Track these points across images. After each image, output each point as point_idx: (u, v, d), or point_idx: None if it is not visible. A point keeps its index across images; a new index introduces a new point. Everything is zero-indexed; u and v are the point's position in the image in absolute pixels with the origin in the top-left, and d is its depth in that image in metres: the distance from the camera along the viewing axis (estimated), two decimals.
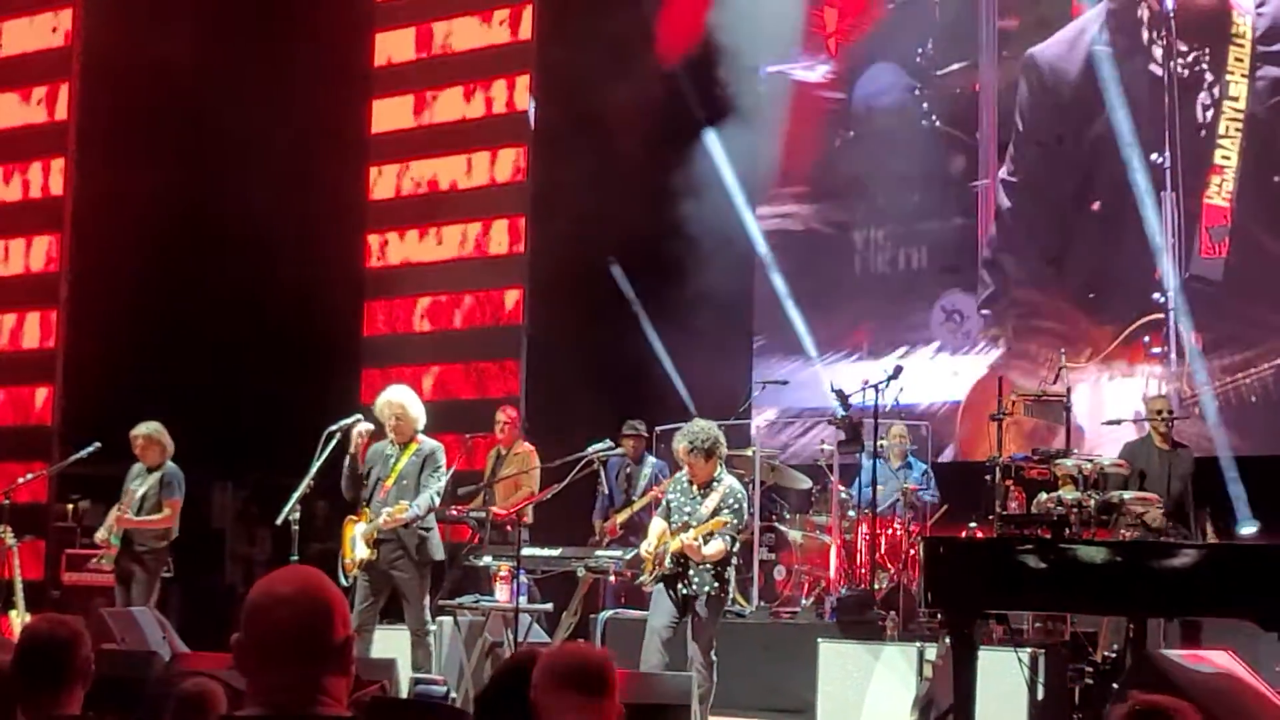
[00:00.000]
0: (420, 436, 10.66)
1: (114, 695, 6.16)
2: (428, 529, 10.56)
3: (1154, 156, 14.51)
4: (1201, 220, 14.52)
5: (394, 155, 17.06)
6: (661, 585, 9.84)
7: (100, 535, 12.32)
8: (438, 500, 10.59)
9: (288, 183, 15.38)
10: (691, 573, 9.72)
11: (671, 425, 13.50)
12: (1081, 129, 15.21)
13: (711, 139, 15.63)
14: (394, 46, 17.24)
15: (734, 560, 9.98)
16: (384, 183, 17.15)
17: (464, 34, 16.79)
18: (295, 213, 15.46)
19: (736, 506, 9.74)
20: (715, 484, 9.78)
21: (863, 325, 15.68)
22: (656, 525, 10.02)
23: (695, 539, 9.60)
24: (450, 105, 16.77)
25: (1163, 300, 14.31)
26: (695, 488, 9.85)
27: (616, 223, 14.98)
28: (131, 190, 15.89)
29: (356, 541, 10.42)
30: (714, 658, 9.72)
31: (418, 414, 10.64)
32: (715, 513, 9.68)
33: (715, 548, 9.61)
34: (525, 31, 16.35)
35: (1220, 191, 14.37)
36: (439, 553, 10.70)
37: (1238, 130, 14.32)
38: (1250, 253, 14.18)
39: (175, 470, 12.33)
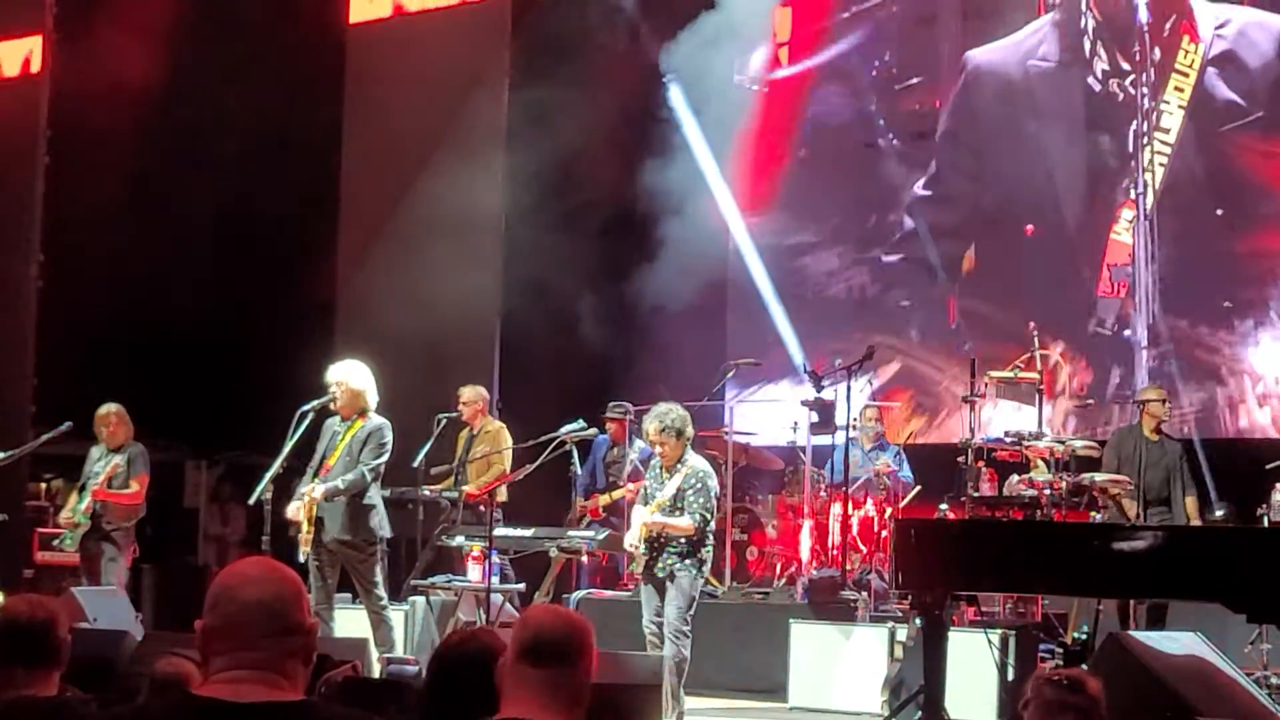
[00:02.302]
0: (369, 413, 10.51)
1: (86, 675, 6.17)
2: (371, 505, 10.42)
3: (1125, 183, 14.15)
4: (1105, 256, 14.22)
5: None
6: (643, 579, 9.90)
7: (65, 516, 12.27)
8: (370, 477, 10.36)
9: (261, 161, 15.32)
10: (661, 556, 9.75)
11: (644, 406, 13.56)
12: (1006, 142, 14.94)
13: (688, 126, 15.62)
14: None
15: (709, 540, 9.94)
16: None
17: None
18: (270, 188, 15.41)
19: (699, 486, 9.72)
20: (680, 465, 9.79)
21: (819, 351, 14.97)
22: (638, 514, 10.02)
23: (650, 517, 9.67)
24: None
25: (1130, 336, 14.02)
26: (664, 471, 9.88)
27: (591, 199, 14.99)
28: (105, 161, 15.86)
29: (300, 511, 10.34)
30: (688, 629, 9.71)
31: (362, 388, 10.47)
32: (676, 495, 9.69)
33: (684, 522, 9.63)
34: None
35: (1129, 228, 14.03)
36: (385, 529, 10.54)
37: (1161, 165, 13.96)
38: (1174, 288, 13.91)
39: (141, 447, 12.31)
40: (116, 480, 12.16)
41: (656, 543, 9.74)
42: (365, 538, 10.40)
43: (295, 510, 10.33)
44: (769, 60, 16.31)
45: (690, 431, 9.91)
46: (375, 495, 10.51)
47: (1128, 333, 14.01)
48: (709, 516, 9.79)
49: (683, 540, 9.70)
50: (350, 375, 10.51)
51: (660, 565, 9.75)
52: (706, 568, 10.01)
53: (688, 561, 9.70)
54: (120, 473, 12.19)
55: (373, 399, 10.55)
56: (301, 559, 10.27)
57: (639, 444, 13.44)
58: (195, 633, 3.46)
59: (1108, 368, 14.11)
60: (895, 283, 15.42)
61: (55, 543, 12.60)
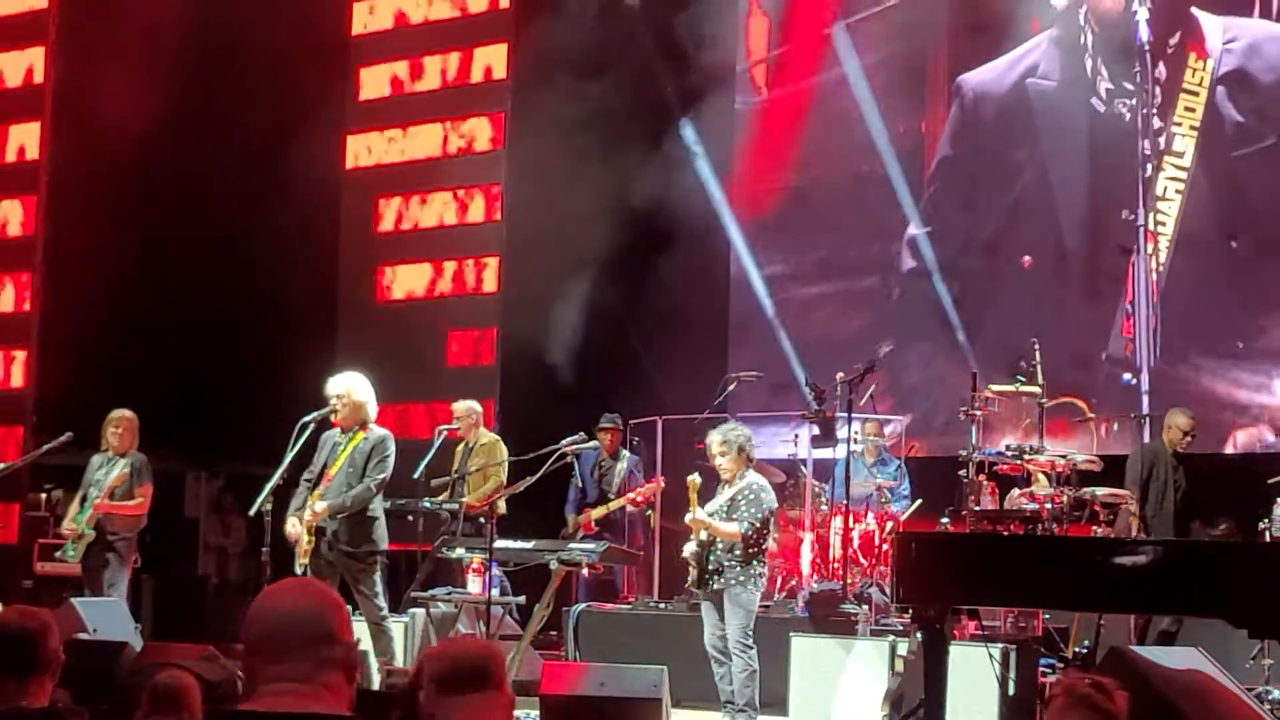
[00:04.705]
0: (370, 425, 10.57)
1: (85, 685, 6.15)
2: (372, 518, 10.49)
3: (1123, 213, 13.69)
4: (1125, 294, 13.75)
5: (372, 123, 17.07)
6: (703, 596, 10.14)
7: (68, 526, 12.21)
8: (376, 490, 10.45)
9: (263, 172, 15.31)
10: (714, 568, 9.99)
11: (645, 419, 13.55)
12: (1005, 170, 14.59)
13: (688, 130, 15.61)
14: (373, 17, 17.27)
15: (763, 554, 10.19)
16: (363, 155, 17.10)
17: (442, 6, 16.82)
18: (272, 198, 15.39)
19: (751, 497, 10.01)
20: (738, 480, 10.06)
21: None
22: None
23: (700, 514, 9.93)
24: (429, 74, 16.77)
25: (1132, 382, 13.69)
26: (724, 487, 10.14)
27: (593, 211, 14.99)
28: (107, 172, 15.90)
29: (299, 529, 10.36)
30: (751, 641, 9.96)
31: (364, 400, 10.54)
32: (731, 503, 9.98)
33: (730, 527, 9.91)
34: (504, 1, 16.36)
35: (1154, 264, 13.55)
36: (384, 542, 10.59)
37: (1178, 193, 13.54)
38: (1187, 324, 13.51)
39: (144, 457, 12.29)
40: (120, 490, 12.13)
41: (708, 555, 9.99)
42: (367, 548, 10.46)
43: (294, 527, 10.35)
44: (749, 80, 16.19)
45: (752, 451, 10.22)
46: (378, 507, 10.58)
47: (1128, 377, 13.76)
48: (759, 527, 10.03)
49: (735, 553, 9.95)
50: (352, 387, 10.55)
51: (713, 580, 10.01)
52: (762, 581, 10.26)
53: (741, 578, 9.97)
54: (124, 483, 12.17)
55: (373, 410, 10.61)
56: (299, 571, 10.29)
57: (626, 454, 13.48)
58: (241, 656, 3.49)
59: (1118, 407, 13.64)
60: (893, 312, 15.25)
61: (58, 554, 12.55)
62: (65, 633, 5.18)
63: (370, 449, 10.46)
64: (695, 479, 10.06)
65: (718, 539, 9.97)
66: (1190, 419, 12.26)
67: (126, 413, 12.30)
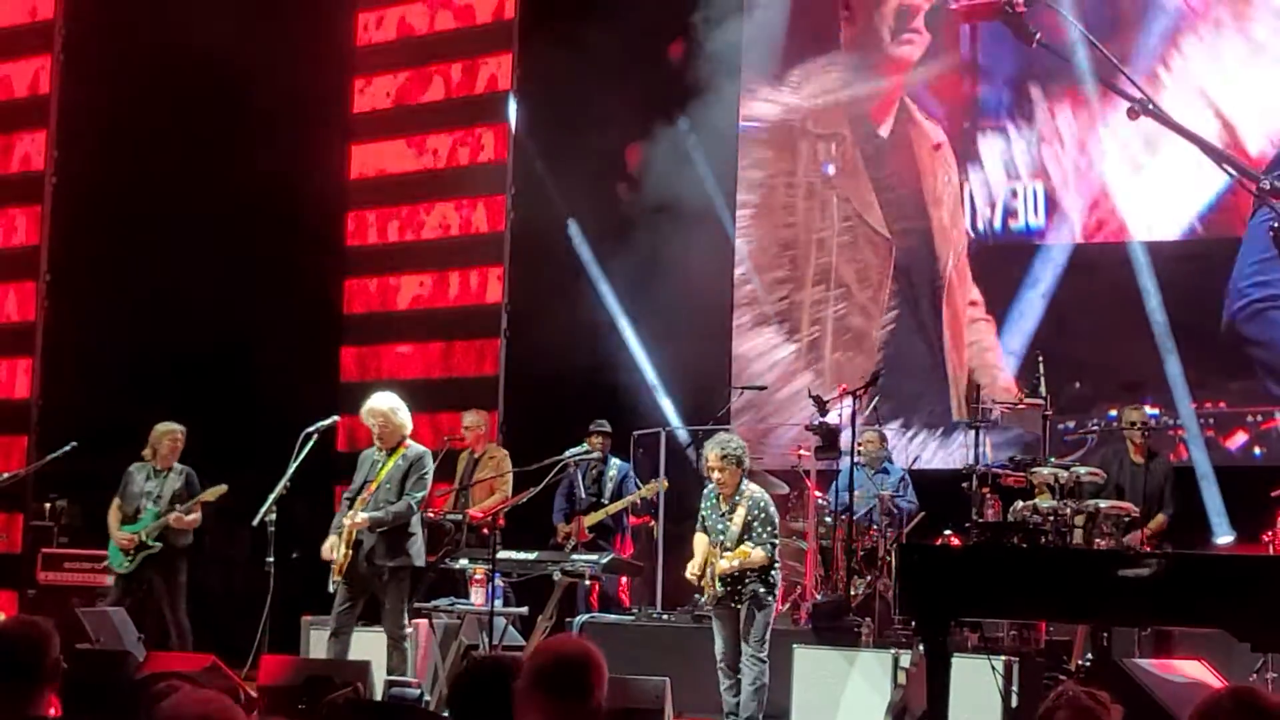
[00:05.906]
0: (407, 441, 10.70)
1: (87, 695, 6.16)
2: (410, 534, 10.57)
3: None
4: None
5: (375, 133, 17.10)
6: (716, 612, 10.27)
7: (123, 535, 12.12)
8: (417, 507, 10.58)
9: (266, 184, 15.32)
10: (742, 587, 10.12)
11: (649, 430, 13.54)
12: None
13: (690, 134, 15.60)
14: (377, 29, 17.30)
15: (777, 564, 10.33)
16: (367, 166, 17.15)
17: (446, 17, 16.85)
18: (276, 209, 15.43)
19: (763, 515, 10.14)
20: (739, 497, 10.15)
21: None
22: (700, 541, 10.37)
23: (733, 562, 10.03)
24: (433, 84, 16.81)
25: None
26: (722, 502, 10.19)
27: (597, 221, 15.02)
28: (112, 182, 15.93)
29: (337, 545, 10.42)
30: (764, 655, 10.10)
31: (403, 420, 10.68)
32: (745, 527, 10.07)
33: (757, 555, 10.03)
34: (508, 11, 16.36)
35: None
36: (420, 559, 10.69)
37: None
38: None
39: (191, 470, 12.41)
40: (179, 503, 12.21)
41: (733, 575, 10.11)
42: (401, 562, 10.55)
43: (331, 546, 10.40)
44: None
45: (748, 462, 10.33)
46: (416, 524, 10.69)
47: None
48: (776, 543, 10.19)
49: (757, 569, 10.07)
50: (391, 407, 10.69)
51: (739, 596, 10.13)
52: (777, 590, 10.47)
53: (763, 591, 10.13)
54: (181, 495, 12.26)
55: (409, 427, 10.74)
56: (331, 589, 10.37)
57: (615, 461, 13.46)
58: None
59: None
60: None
61: (107, 563, 12.54)
62: (67, 642, 5.18)
63: (409, 466, 10.59)
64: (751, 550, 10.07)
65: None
66: (1136, 410, 12.21)
67: (180, 428, 12.39)
